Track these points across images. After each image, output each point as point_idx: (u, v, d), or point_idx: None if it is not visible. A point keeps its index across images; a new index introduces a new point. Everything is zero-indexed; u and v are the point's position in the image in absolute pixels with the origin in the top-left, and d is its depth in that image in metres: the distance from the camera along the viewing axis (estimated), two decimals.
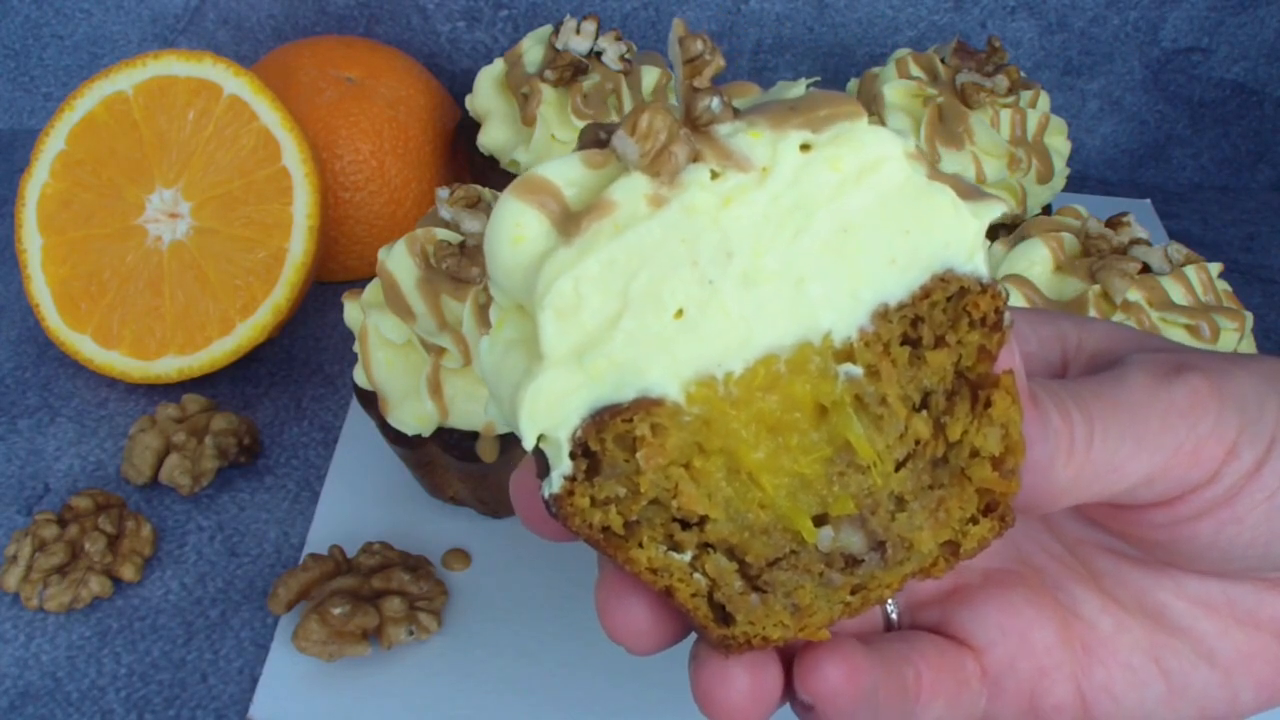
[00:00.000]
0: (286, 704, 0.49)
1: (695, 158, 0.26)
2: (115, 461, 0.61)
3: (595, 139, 0.27)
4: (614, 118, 0.70)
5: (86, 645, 0.52)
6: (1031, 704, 0.34)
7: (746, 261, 0.26)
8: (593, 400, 0.26)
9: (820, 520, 0.29)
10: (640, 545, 0.28)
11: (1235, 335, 0.53)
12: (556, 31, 0.72)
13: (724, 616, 0.29)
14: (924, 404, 0.29)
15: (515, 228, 0.26)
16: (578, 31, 0.72)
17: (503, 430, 0.52)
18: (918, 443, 0.28)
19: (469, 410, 0.52)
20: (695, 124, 0.26)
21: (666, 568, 0.28)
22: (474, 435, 0.52)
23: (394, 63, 0.76)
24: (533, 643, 0.51)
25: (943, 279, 0.28)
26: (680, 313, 0.26)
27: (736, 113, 0.27)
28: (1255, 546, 0.31)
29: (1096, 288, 0.53)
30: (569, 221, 0.26)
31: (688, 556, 0.28)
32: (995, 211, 0.28)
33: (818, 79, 0.25)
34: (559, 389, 0.26)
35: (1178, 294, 0.54)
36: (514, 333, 0.27)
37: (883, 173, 0.27)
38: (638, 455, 0.27)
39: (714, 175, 0.26)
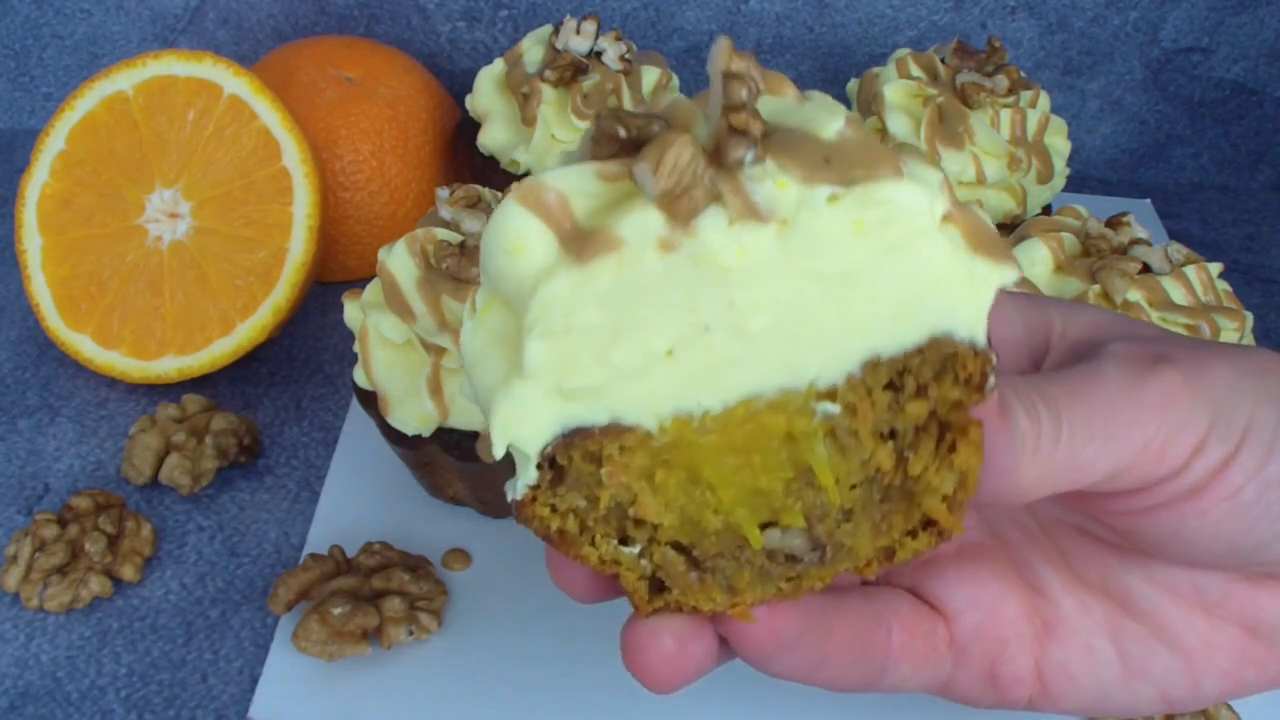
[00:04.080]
0: (286, 704, 0.49)
1: (715, 199, 0.25)
2: (115, 461, 0.61)
3: (613, 135, 0.26)
4: None
5: (86, 645, 0.52)
6: (991, 673, 0.35)
7: (747, 313, 0.25)
8: (565, 421, 0.26)
9: (768, 523, 0.29)
10: (593, 543, 0.29)
11: (1235, 335, 0.53)
12: (556, 31, 0.72)
13: (660, 588, 0.30)
14: (891, 434, 0.28)
15: (516, 238, 0.25)
16: (578, 31, 0.72)
17: None
18: (877, 470, 0.29)
19: (469, 410, 0.52)
20: (721, 163, 0.25)
21: (615, 559, 0.29)
22: (474, 435, 0.52)
23: (394, 63, 0.76)
24: (533, 643, 0.51)
25: (940, 342, 0.27)
26: (670, 353, 0.26)
27: (766, 145, 0.25)
28: (1219, 540, 0.31)
29: (1096, 288, 0.53)
30: (574, 241, 0.25)
31: (637, 549, 0.29)
32: (1009, 278, 0.27)
33: (856, 115, 0.24)
34: (533, 408, 0.26)
35: (1178, 294, 0.54)
36: (499, 323, 0.27)
37: (905, 237, 0.25)
38: (602, 472, 0.27)
39: (731, 222, 0.25)
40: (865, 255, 0.25)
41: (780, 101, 0.27)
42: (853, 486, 0.29)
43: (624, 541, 0.29)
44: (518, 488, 0.27)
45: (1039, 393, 0.30)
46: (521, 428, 0.26)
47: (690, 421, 0.27)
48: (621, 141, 0.26)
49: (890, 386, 0.28)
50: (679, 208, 0.24)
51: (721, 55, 0.25)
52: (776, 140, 0.25)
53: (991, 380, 0.28)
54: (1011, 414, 0.29)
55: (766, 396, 0.27)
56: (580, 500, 0.28)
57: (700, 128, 0.26)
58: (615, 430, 0.27)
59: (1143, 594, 0.34)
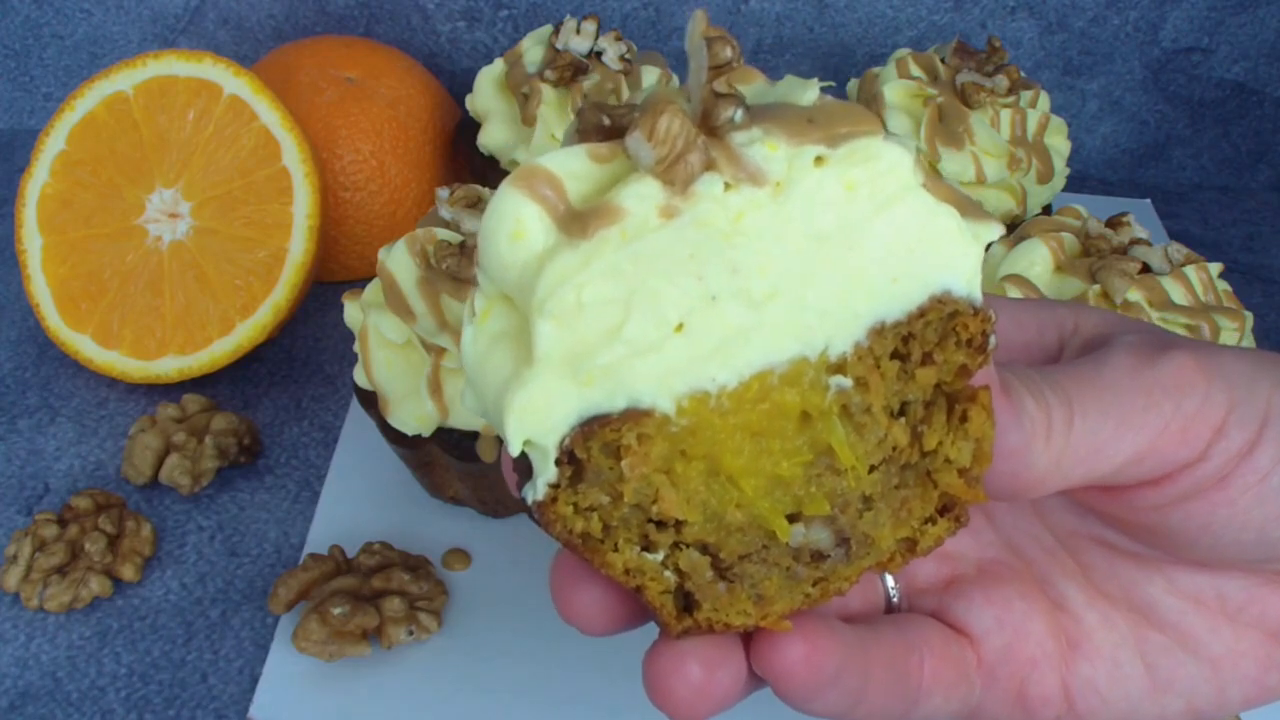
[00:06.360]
0: (286, 704, 0.49)
1: (709, 166, 0.25)
2: (115, 461, 0.61)
3: (598, 125, 0.26)
4: None
5: (86, 645, 0.52)
6: (1020, 695, 0.34)
7: (752, 278, 0.25)
8: (582, 409, 0.26)
9: (792, 517, 0.29)
10: (615, 549, 0.28)
11: (1235, 335, 0.53)
12: (556, 31, 0.72)
13: (688, 605, 0.29)
14: (901, 411, 0.29)
15: (515, 223, 0.25)
16: (578, 31, 0.72)
17: None
18: (894, 449, 0.29)
19: (469, 410, 0.52)
20: (711, 130, 0.25)
21: (640, 569, 0.28)
22: (474, 435, 0.52)
23: (394, 63, 0.76)
24: (533, 643, 0.51)
25: (940, 301, 0.27)
26: (681, 326, 0.25)
27: (751, 116, 0.26)
28: (1248, 530, 0.31)
29: (1096, 287, 0.53)
30: (573, 221, 0.25)
31: (660, 556, 0.28)
32: (995, 233, 0.28)
33: (832, 83, 0.25)
34: (549, 396, 0.25)
35: (1178, 294, 0.54)
36: (500, 325, 0.26)
37: (894, 192, 0.26)
38: (623, 463, 0.26)
39: (727, 187, 0.25)
40: (859, 213, 0.26)
41: (753, 87, 0.27)
42: (871, 469, 0.29)
43: (647, 549, 0.28)
44: (538, 488, 0.26)
45: (1047, 381, 0.30)
46: (538, 420, 0.25)
47: (707, 400, 0.26)
48: (606, 129, 0.26)
49: (897, 357, 0.28)
50: (675, 174, 0.25)
51: (700, 22, 0.26)
52: (759, 112, 0.26)
53: (993, 340, 0.28)
54: (1019, 398, 0.29)
55: (779, 369, 0.27)
56: (603, 497, 0.27)
57: (684, 107, 0.26)
58: (633, 415, 0.26)
59: (1166, 604, 0.34)
